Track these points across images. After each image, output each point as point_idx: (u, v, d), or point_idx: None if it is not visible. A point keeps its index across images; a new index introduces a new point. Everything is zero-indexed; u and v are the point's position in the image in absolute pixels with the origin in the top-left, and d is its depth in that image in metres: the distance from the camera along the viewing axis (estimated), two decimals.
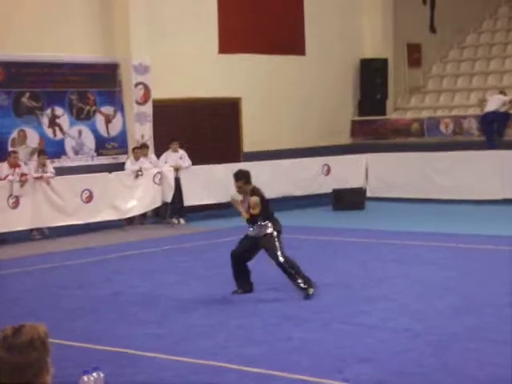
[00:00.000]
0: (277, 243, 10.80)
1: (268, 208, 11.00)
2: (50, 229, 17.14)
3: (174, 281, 12.29)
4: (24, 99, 18.01)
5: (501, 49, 25.92)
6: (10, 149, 17.46)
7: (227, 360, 7.97)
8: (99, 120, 19.24)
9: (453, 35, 26.57)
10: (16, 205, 16.43)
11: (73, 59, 18.58)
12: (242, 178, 10.96)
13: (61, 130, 18.61)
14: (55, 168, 17.59)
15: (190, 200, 18.75)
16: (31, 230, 17.01)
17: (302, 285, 10.63)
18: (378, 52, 24.60)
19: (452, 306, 9.95)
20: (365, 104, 24.49)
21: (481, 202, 19.49)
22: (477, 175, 19.75)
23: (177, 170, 18.72)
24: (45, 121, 18.33)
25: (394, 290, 11.00)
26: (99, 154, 19.16)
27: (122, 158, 19.22)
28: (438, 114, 23.80)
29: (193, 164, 18.97)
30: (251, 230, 10.94)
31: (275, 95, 22.42)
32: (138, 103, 19.43)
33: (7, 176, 16.58)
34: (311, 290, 10.60)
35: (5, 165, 16.82)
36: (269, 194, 19.37)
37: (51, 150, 18.12)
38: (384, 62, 24.51)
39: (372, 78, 24.29)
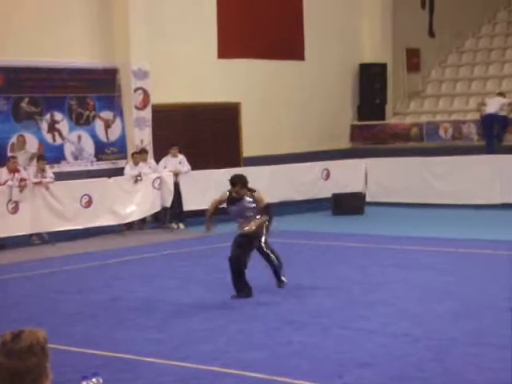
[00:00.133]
0: (250, 247, 11.14)
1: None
2: (49, 234, 17.13)
3: (173, 286, 12.29)
4: (23, 104, 18.01)
5: (500, 53, 25.94)
6: (10, 154, 17.45)
7: (227, 364, 7.97)
8: (98, 125, 19.24)
9: (452, 40, 26.60)
10: (15, 210, 16.43)
11: (72, 64, 18.59)
12: (239, 182, 11.07)
13: (60, 135, 18.61)
14: (54, 173, 17.57)
15: (189, 205, 18.74)
16: (30, 235, 17.00)
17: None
18: (377, 57, 24.62)
19: (451, 311, 9.95)
20: (364, 109, 24.50)
21: (480, 207, 19.49)
22: (476, 180, 19.76)
23: (176, 174, 18.73)
24: (44, 126, 18.32)
25: (394, 294, 11.00)
26: (98, 159, 19.16)
27: (121, 163, 19.21)
28: (437, 119, 23.81)
29: (192, 169, 18.97)
30: (239, 230, 11.11)
31: (275, 100, 22.43)
32: (138, 108, 19.43)
33: (6, 181, 16.57)
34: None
35: (4, 170, 16.81)
36: (268, 198, 19.48)
37: (50, 155, 18.12)
38: (383, 66, 24.52)
39: (371, 83, 24.30)
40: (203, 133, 20.98)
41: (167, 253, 15.53)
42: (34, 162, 17.57)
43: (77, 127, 18.86)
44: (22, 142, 17.93)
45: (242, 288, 11.06)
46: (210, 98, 20.93)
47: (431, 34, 26.46)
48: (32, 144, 18.06)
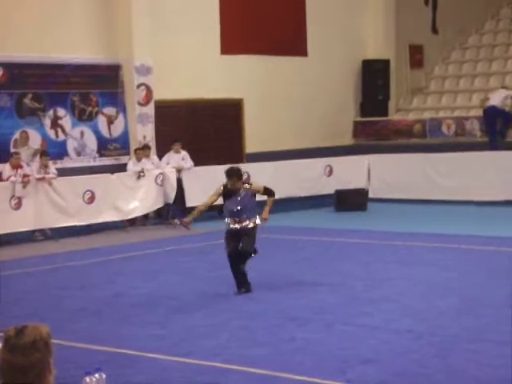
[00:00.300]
0: (256, 236, 11.21)
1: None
2: (52, 230, 17.14)
3: (176, 281, 12.29)
4: (26, 100, 18.03)
5: (503, 50, 25.91)
6: (13, 150, 17.48)
7: (229, 361, 7.97)
8: (101, 121, 19.25)
9: (455, 36, 26.56)
10: (18, 206, 16.44)
11: (75, 60, 18.60)
12: (235, 175, 11.18)
13: (63, 131, 18.63)
14: (57, 169, 17.60)
15: (192, 201, 18.71)
16: (33, 231, 17.02)
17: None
18: (380, 53, 24.60)
19: (454, 307, 9.95)
20: (367, 105, 24.49)
21: (483, 204, 19.48)
22: (479, 176, 19.73)
23: (179, 170, 18.73)
24: (47, 122, 18.34)
25: (397, 291, 11.00)
26: (101, 155, 19.18)
27: (124, 159, 19.23)
28: (440, 115, 23.79)
29: (195, 165, 18.97)
30: (235, 224, 11.15)
31: (277, 96, 22.42)
32: (140, 104, 19.44)
33: (9, 177, 16.59)
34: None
35: (7, 166, 16.84)
36: None
37: (53, 151, 18.14)
38: (386, 63, 24.50)
39: (374, 79, 24.29)
40: (206, 129, 20.98)
41: (170, 249, 15.54)
42: (37, 157, 17.60)
43: (80, 123, 18.88)
44: (25, 138, 17.95)
45: (243, 283, 11.08)
46: (213, 94, 20.93)
47: (434, 30, 26.43)
48: (35, 140, 18.08)
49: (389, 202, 20.81)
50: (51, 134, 18.43)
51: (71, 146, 18.75)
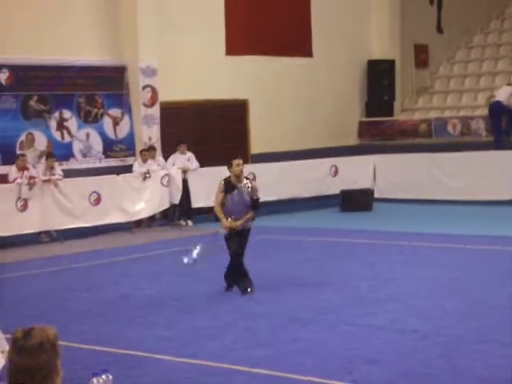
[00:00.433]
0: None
1: None
2: (57, 231, 17.17)
3: (181, 283, 12.31)
4: (32, 102, 18.07)
5: (508, 49, 25.87)
6: (19, 152, 17.52)
7: (235, 362, 7.99)
8: (107, 123, 19.29)
9: (460, 36, 26.54)
10: (24, 208, 16.49)
11: (80, 62, 18.64)
12: (240, 158, 11.66)
13: (69, 132, 18.67)
14: (63, 170, 17.64)
15: (197, 202, 18.77)
16: (39, 233, 17.06)
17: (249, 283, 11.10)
18: (386, 53, 24.59)
19: (459, 307, 9.95)
20: (372, 105, 24.49)
21: (488, 203, 19.47)
22: (484, 176, 19.71)
23: (184, 172, 18.76)
24: (53, 124, 18.38)
25: (402, 291, 11.00)
26: (107, 157, 19.22)
27: (129, 161, 19.26)
28: (445, 115, 23.77)
29: (201, 166, 18.99)
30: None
31: (282, 97, 22.43)
32: (146, 106, 19.47)
33: (16, 179, 16.63)
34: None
35: (13, 168, 16.88)
36: (277, 195, 19.56)
37: (59, 152, 18.18)
38: (391, 63, 24.50)
39: (379, 79, 24.29)
40: (211, 130, 21.00)
41: (176, 250, 15.54)
42: (43, 159, 17.64)
43: (85, 125, 18.92)
44: (30, 140, 17.99)
45: (246, 280, 11.12)
46: (218, 95, 20.94)
47: (439, 29, 26.42)
48: (41, 142, 18.12)
49: (394, 202, 20.81)
50: (57, 135, 18.47)
51: (77, 147, 18.79)
